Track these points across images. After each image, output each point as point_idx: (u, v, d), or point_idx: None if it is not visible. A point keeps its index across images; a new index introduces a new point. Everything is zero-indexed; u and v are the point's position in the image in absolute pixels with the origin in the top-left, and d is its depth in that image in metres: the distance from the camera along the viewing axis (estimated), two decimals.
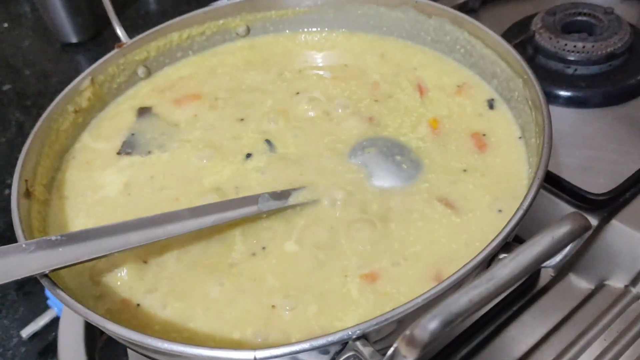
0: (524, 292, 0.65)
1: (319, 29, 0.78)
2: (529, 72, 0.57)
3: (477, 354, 0.61)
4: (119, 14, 0.71)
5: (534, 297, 0.65)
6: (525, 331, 0.62)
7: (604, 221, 0.67)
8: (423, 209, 0.55)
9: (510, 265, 0.34)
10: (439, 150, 0.60)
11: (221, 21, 0.76)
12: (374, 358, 0.37)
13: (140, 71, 0.73)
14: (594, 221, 0.67)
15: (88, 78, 0.67)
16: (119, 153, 0.64)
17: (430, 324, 0.32)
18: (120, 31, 0.71)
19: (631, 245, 0.65)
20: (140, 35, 0.71)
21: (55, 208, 0.59)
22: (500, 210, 0.54)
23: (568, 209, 0.69)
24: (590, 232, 0.35)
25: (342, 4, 0.75)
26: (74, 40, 1.26)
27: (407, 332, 0.33)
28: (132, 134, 0.67)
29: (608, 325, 0.61)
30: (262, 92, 0.70)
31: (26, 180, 0.56)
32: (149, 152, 0.64)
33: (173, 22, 0.73)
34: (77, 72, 0.67)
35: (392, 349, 0.34)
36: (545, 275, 0.67)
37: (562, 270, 0.66)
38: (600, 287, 0.64)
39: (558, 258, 0.40)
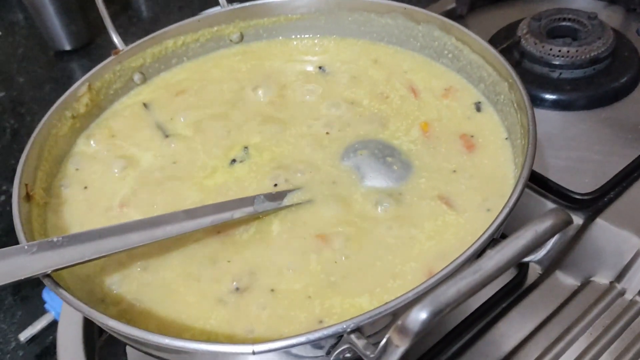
0: (513, 289, 0.67)
1: (311, 35, 0.80)
2: (515, 76, 0.59)
3: (468, 350, 0.62)
4: (112, 21, 0.72)
5: (522, 294, 0.66)
6: (513, 327, 0.63)
7: (589, 220, 0.69)
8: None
9: (496, 257, 0.35)
10: (429, 152, 0.62)
11: (215, 28, 0.77)
12: (367, 350, 0.39)
13: (136, 77, 0.74)
14: (579, 220, 0.69)
15: (85, 84, 0.68)
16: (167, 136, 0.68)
17: (420, 314, 0.33)
18: (116, 38, 0.72)
19: (615, 243, 0.67)
20: (136, 43, 0.73)
21: (54, 211, 0.60)
22: (489, 210, 0.56)
23: None
24: (571, 226, 0.37)
25: (333, 10, 0.77)
26: (67, 47, 1.27)
27: (399, 322, 0.35)
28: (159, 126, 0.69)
29: (594, 321, 0.63)
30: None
31: (26, 184, 0.57)
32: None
33: (168, 30, 0.74)
34: (71, 80, 0.68)
35: (385, 339, 0.36)
36: (533, 272, 0.69)
37: (549, 268, 0.68)
38: (586, 283, 0.66)
39: (542, 252, 0.42)
